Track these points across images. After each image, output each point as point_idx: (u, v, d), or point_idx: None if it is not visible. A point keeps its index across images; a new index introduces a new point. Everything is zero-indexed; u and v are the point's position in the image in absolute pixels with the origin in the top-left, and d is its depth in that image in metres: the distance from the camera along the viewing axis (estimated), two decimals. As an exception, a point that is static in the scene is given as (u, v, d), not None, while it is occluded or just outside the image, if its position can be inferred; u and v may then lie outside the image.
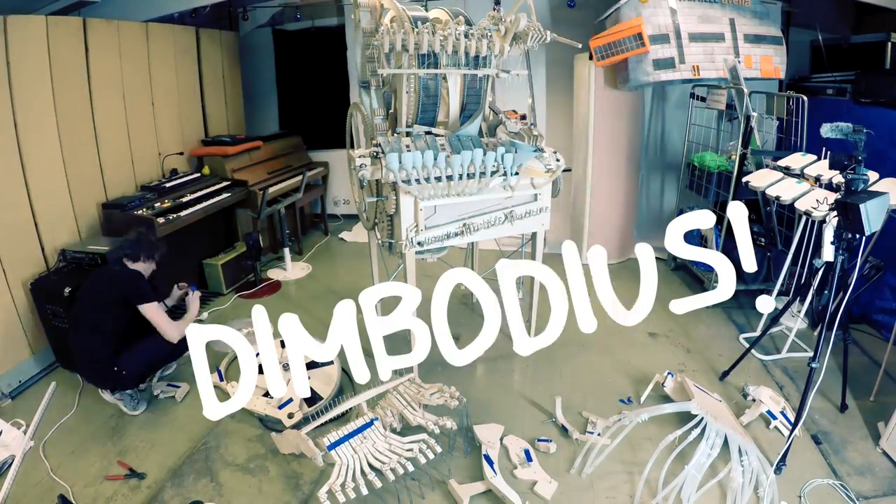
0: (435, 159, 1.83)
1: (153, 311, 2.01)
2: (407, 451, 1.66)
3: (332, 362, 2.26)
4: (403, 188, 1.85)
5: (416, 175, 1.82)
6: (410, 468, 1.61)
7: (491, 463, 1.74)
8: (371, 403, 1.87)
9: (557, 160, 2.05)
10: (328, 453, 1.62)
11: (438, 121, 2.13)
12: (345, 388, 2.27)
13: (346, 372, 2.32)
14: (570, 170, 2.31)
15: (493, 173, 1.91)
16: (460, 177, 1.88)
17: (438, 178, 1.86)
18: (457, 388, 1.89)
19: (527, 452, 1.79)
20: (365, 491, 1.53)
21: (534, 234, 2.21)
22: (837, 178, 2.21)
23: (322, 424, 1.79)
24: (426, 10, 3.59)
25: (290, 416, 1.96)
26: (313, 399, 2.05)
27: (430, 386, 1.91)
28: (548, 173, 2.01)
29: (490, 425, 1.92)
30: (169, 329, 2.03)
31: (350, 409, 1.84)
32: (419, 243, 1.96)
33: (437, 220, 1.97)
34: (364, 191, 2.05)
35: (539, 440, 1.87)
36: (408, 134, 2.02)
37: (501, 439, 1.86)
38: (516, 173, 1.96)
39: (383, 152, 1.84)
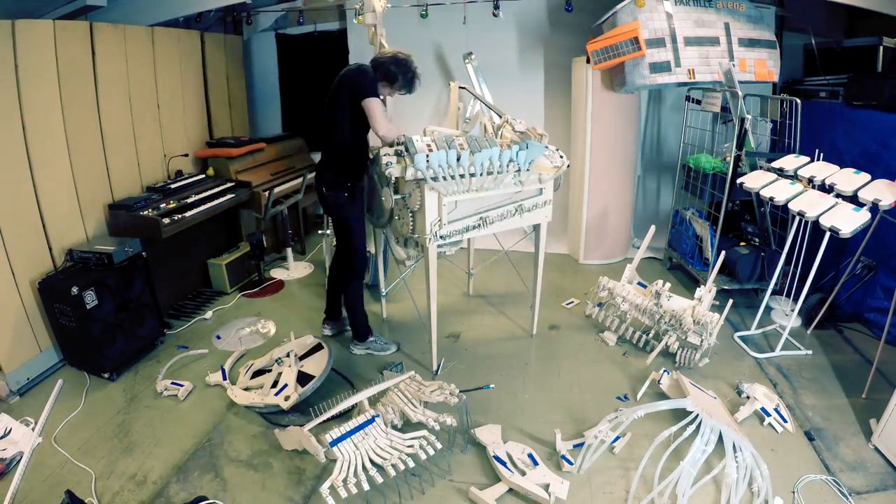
0: (458, 158, 1.93)
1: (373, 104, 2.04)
2: (408, 447, 1.69)
3: (321, 347, 2.31)
4: (430, 185, 1.94)
5: (442, 173, 1.92)
6: (411, 464, 1.64)
7: (503, 463, 1.75)
8: (372, 401, 1.90)
9: (561, 157, 2.19)
10: (330, 449, 1.64)
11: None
12: (345, 387, 2.30)
13: (343, 375, 2.37)
14: (569, 165, 2.41)
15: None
16: (480, 173, 1.98)
17: (462, 175, 1.96)
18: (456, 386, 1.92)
19: (531, 456, 1.79)
20: (367, 486, 1.56)
21: (537, 226, 2.35)
22: (831, 179, 2.25)
23: (324, 421, 1.82)
24: (426, 16, 3.66)
25: (287, 398, 2.02)
26: (306, 379, 2.11)
27: (430, 383, 1.93)
28: (554, 168, 2.15)
29: (488, 426, 1.94)
30: (382, 124, 2.04)
31: (352, 406, 1.87)
32: (442, 237, 2.06)
33: (458, 214, 2.08)
34: (387, 188, 2.10)
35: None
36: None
37: (504, 443, 1.87)
38: (528, 169, 2.08)
39: (407, 150, 1.93)
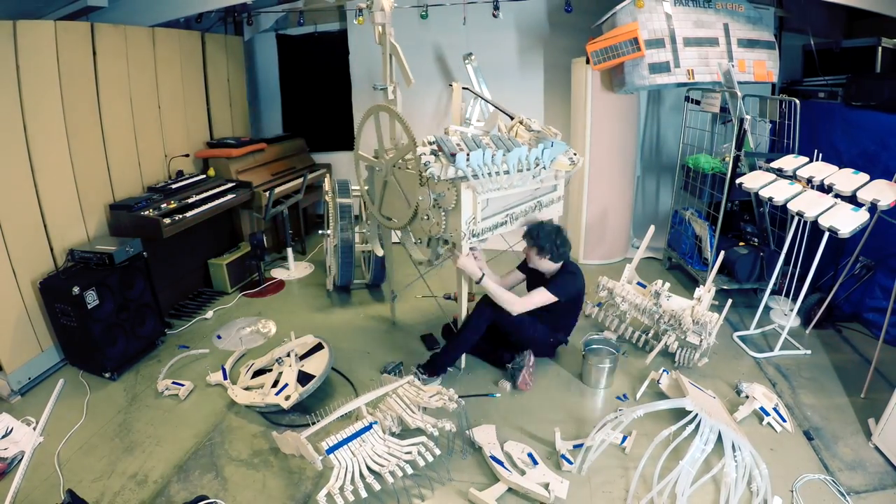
0: (493, 157, 1.96)
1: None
2: (406, 453, 1.68)
3: (322, 346, 2.32)
4: (471, 183, 1.96)
5: (480, 171, 1.94)
6: (409, 470, 1.63)
7: (500, 463, 1.75)
8: (370, 406, 1.89)
9: (574, 154, 2.26)
10: (327, 457, 1.63)
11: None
12: (346, 386, 2.31)
13: (344, 376, 2.37)
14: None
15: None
16: (506, 171, 2.02)
17: (497, 173, 1.99)
18: (455, 391, 1.89)
19: (531, 455, 1.80)
20: (364, 494, 1.55)
21: (550, 221, 2.41)
22: (830, 179, 2.26)
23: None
24: (426, 17, 3.67)
25: (287, 398, 2.02)
26: (307, 379, 2.12)
27: (428, 388, 1.93)
28: (572, 165, 2.22)
29: (483, 427, 1.94)
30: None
31: (350, 411, 1.86)
32: (475, 234, 2.08)
33: (489, 212, 2.12)
34: (423, 188, 2.09)
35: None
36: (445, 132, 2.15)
37: (502, 445, 1.87)
38: (547, 167, 2.14)
39: (441, 150, 1.95)
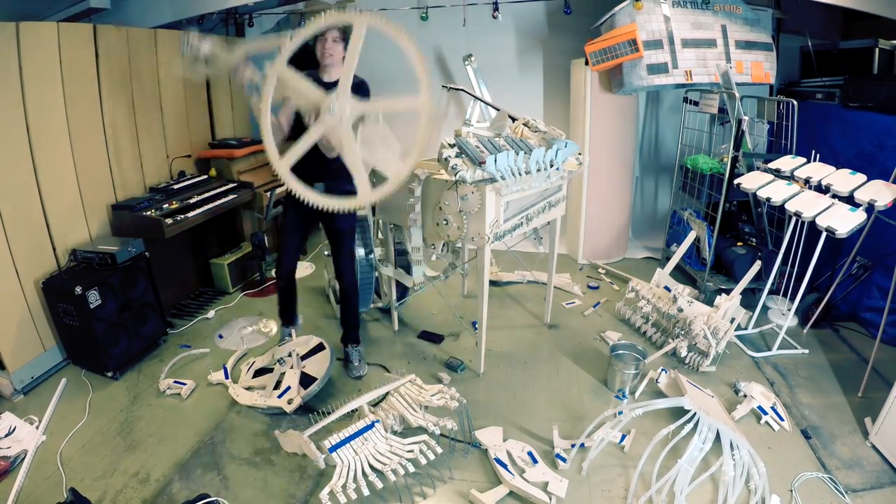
0: (516, 159, 1.97)
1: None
2: (408, 452, 1.70)
3: (323, 347, 2.32)
4: (496, 185, 1.96)
5: (508, 173, 1.94)
6: (411, 469, 1.65)
7: (504, 465, 1.76)
8: (373, 405, 1.90)
9: (580, 154, 2.31)
10: (329, 456, 1.65)
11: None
12: (349, 386, 2.32)
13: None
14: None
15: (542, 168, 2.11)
16: (528, 172, 2.02)
17: (520, 174, 1.99)
18: (457, 390, 1.92)
19: (531, 454, 1.81)
20: (366, 492, 1.56)
21: (553, 221, 2.48)
22: (828, 180, 2.28)
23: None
24: (426, 19, 3.69)
25: (290, 402, 2.03)
26: (309, 380, 2.13)
27: (430, 387, 1.94)
28: (579, 165, 2.27)
29: (490, 429, 1.95)
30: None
31: (352, 410, 1.87)
32: (497, 237, 2.09)
33: (508, 213, 2.14)
34: (450, 192, 2.05)
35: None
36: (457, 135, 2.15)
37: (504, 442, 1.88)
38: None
39: (464, 153, 1.95)
